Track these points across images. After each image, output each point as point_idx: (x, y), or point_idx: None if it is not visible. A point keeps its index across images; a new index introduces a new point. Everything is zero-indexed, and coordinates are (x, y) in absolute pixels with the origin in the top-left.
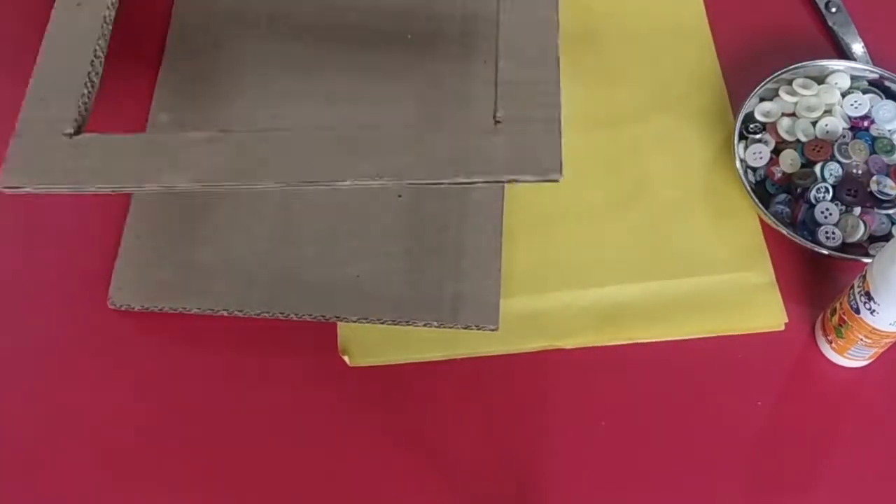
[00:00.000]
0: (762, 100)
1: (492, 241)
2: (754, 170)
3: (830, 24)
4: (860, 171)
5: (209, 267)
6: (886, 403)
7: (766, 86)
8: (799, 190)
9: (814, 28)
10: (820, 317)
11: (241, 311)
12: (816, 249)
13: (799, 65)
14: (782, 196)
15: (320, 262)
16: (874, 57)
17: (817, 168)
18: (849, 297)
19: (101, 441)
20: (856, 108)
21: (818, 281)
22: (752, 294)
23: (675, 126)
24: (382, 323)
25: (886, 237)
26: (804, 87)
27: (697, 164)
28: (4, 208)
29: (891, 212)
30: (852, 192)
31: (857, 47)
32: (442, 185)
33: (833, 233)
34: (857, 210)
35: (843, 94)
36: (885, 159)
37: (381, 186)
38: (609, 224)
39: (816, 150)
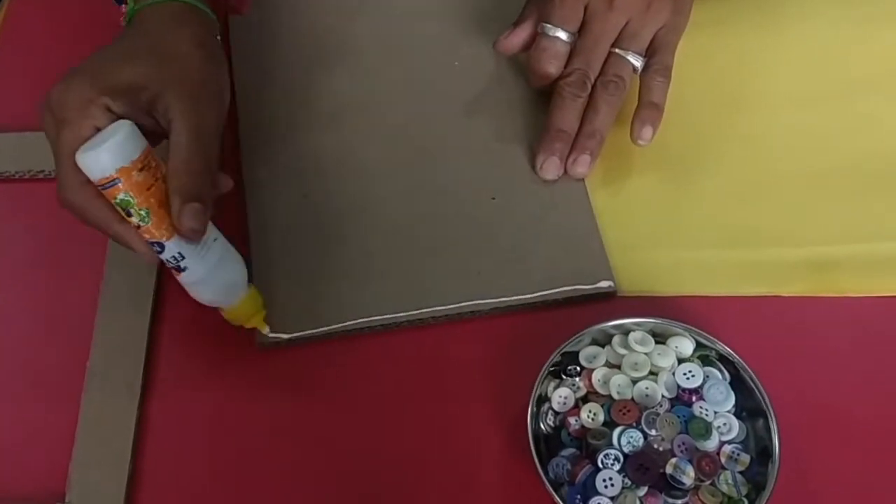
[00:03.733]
0: (594, 341)
1: (588, 220)
2: (556, 414)
3: None
4: (661, 449)
5: (341, 286)
6: None
7: (603, 326)
8: (591, 448)
9: None
10: None
11: (384, 320)
12: None
13: (646, 319)
14: (570, 450)
15: (441, 266)
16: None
17: (615, 432)
18: None
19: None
20: (688, 378)
21: None
22: None
23: None
24: (524, 304)
25: None
26: (641, 343)
27: None
28: None
29: (678, 502)
30: (644, 467)
31: None
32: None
33: None
34: (643, 490)
35: (680, 361)
36: (696, 444)
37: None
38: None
39: (623, 412)
